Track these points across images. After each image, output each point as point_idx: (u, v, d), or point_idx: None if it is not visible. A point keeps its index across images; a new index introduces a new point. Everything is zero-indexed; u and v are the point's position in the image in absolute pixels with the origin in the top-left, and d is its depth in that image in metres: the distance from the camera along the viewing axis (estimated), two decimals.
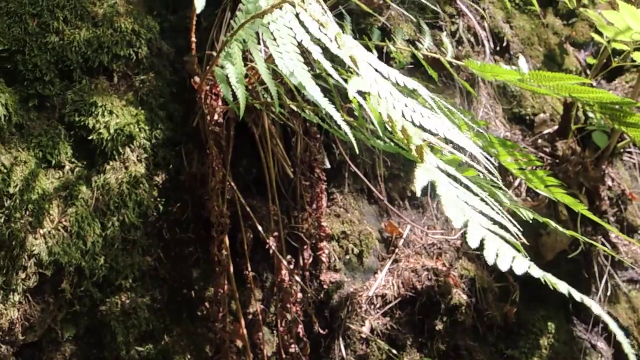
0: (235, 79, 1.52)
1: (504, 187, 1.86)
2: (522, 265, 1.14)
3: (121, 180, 1.94)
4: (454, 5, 2.71)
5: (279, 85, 1.56)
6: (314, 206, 2.17)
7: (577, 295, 1.18)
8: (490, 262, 1.11)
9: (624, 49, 2.33)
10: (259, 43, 1.51)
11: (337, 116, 1.27)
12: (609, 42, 2.30)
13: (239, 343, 1.96)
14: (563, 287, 1.17)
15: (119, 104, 2.00)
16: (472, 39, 2.71)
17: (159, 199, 1.99)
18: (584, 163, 2.55)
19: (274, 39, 1.37)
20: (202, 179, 2.05)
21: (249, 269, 2.00)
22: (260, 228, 2.00)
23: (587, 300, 1.15)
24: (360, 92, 1.27)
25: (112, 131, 1.94)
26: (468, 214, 1.14)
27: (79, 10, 2.04)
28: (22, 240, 1.76)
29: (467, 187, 1.33)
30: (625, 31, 2.17)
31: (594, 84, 2.84)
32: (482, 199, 1.29)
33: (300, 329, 2.02)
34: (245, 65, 1.86)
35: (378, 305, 2.22)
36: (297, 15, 1.31)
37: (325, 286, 2.17)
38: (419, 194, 1.11)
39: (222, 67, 1.62)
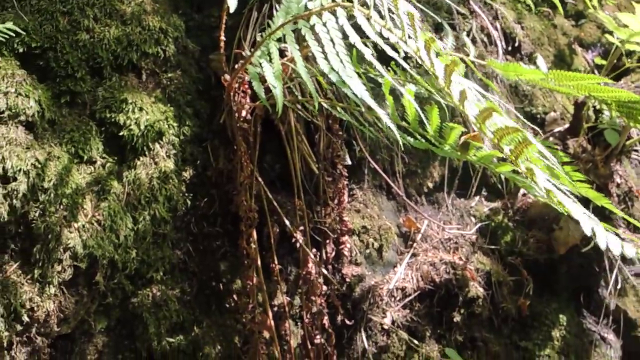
0: (273, 77, 1.57)
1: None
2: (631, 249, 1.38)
3: (151, 175, 1.98)
4: (467, 5, 2.77)
5: (313, 84, 1.61)
6: (336, 201, 2.23)
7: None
8: (602, 247, 1.35)
9: (636, 50, 2.40)
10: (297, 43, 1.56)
11: (382, 113, 1.32)
12: (622, 42, 2.37)
13: (266, 334, 2.01)
14: None
15: (148, 100, 2.04)
16: (485, 39, 2.77)
17: (187, 194, 2.04)
18: (594, 161, 2.62)
19: (316, 40, 1.42)
20: (228, 174, 2.09)
21: (276, 262, 2.05)
22: (287, 222, 2.05)
23: None
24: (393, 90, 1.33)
25: (142, 127, 1.99)
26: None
27: (108, 9, 2.08)
28: (58, 233, 1.80)
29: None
30: None
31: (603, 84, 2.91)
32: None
33: (326, 320, 2.07)
34: None
35: (398, 298, 2.28)
36: (349, 17, 1.36)
37: (347, 279, 2.23)
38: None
39: (256, 65, 1.67)
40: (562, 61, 3.01)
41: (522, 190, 2.66)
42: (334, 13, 1.39)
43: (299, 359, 2.09)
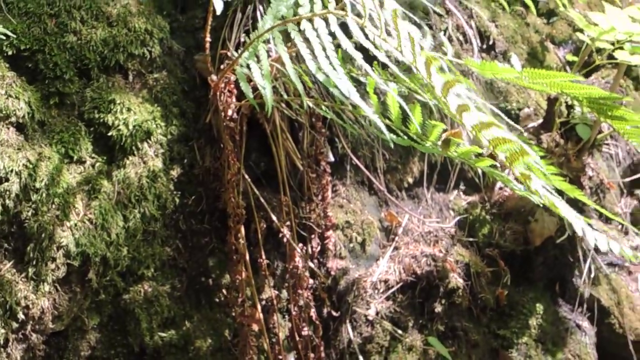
0: (262, 78, 1.63)
1: None
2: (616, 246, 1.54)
3: (140, 174, 2.03)
4: (443, 5, 2.85)
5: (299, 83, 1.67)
6: (320, 197, 2.29)
7: None
8: (591, 246, 1.42)
9: (605, 47, 2.49)
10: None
11: (369, 112, 1.38)
12: (592, 40, 2.47)
13: (255, 327, 2.06)
14: None
15: (135, 101, 2.08)
16: (460, 38, 2.85)
17: (175, 192, 2.08)
18: (567, 154, 2.72)
19: (304, 40, 1.48)
20: (215, 172, 2.14)
21: (263, 257, 2.11)
22: (274, 218, 2.11)
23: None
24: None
25: (130, 127, 2.03)
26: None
27: (95, 11, 2.11)
28: (51, 232, 1.84)
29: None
30: (610, 31, 2.34)
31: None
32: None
33: (313, 312, 2.14)
34: None
35: (381, 290, 2.35)
36: (341, 24, 1.43)
37: (332, 272, 2.29)
38: None
39: (243, 65, 1.73)
40: (535, 58, 3.11)
41: (498, 184, 2.75)
42: (325, 19, 1.45)
43: (288, 351, 2.15)
